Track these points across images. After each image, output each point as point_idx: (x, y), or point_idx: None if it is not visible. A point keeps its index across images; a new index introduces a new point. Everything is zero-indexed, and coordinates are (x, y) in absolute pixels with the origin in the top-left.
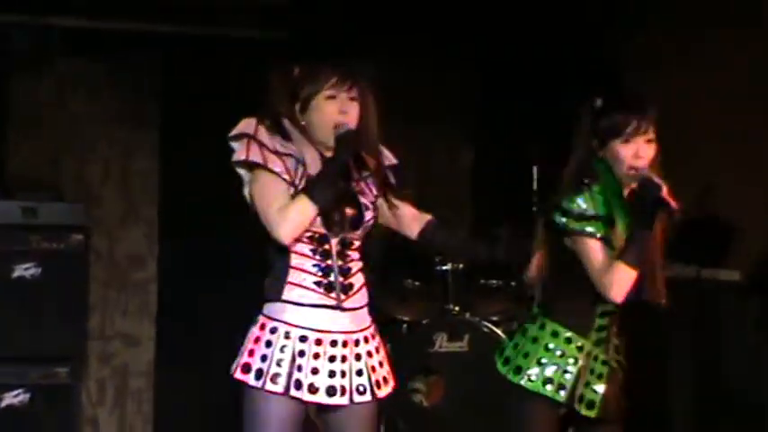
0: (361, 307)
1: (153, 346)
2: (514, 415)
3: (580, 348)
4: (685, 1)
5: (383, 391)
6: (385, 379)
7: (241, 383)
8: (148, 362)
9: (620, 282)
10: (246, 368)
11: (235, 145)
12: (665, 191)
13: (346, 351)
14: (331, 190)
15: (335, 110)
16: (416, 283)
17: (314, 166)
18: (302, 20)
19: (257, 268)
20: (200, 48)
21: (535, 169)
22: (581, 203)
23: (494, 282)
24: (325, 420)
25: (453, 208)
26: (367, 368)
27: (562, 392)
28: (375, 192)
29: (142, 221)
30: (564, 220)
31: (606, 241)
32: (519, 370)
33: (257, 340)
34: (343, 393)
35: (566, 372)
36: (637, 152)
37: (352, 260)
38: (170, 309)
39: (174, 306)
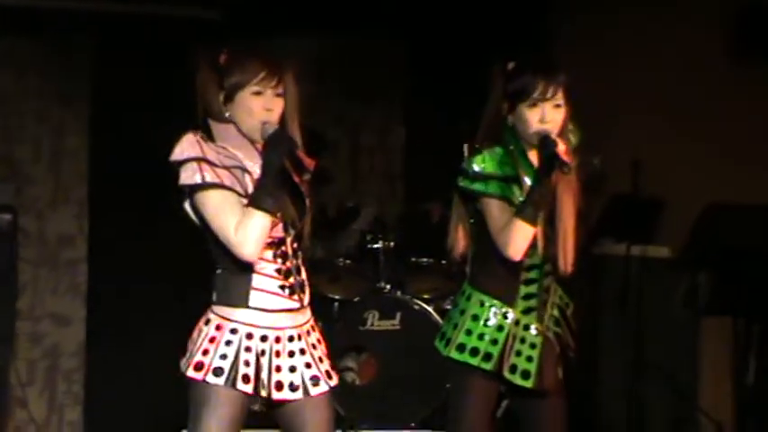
0: (310, 300)
1: (83, 326)
2: (451, 387)
3: (506, 316)
4: None
5: (334, 381)
6: (333, 367)
7: (194, 382)
8: (79, 342)
9: (517, 238)
10: (199, 366)
11: (185, 167)
12: (561, 148)
13: (302, 343)
14: (277, 193)
15: (260, 106)
16: (348, 262)
17: (252, 164)
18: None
19: (188, 248)
20: (131, 26)
21: (466, 147)
22: (477, 163)
23: (425, 260)
24: (286, 413)
25: (385, 184)
26: (323, 355)
27: (489, 361)
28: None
29: (72, 201)
30: (464, 182)
31: (508, 202)
32: (449, 342)
33: (213, 340)
34: (315, 384)
35: (493, 341)
36: (543, 116)
37: (299, 255)
38: (100, 289)
39: (104, 286)
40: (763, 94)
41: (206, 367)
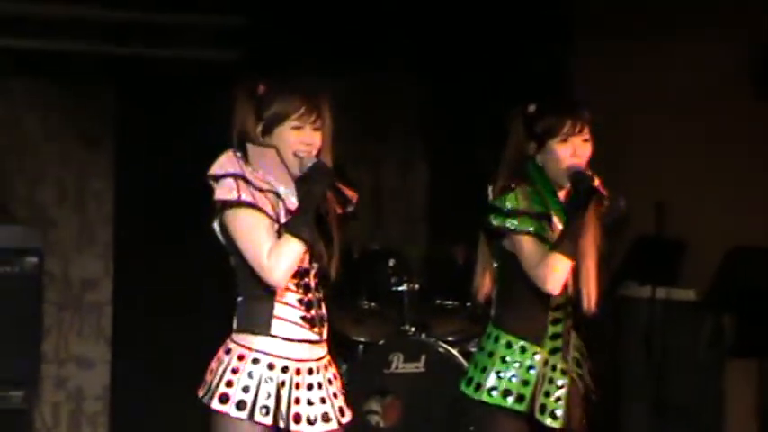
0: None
1: (108, 369)
2: (477, 431)
3: (535, 357)
4: (631, 14)
5: (349, 417)
6: (348, 403)
7: (218, 413)
8: (103, 385)
9: (555, 272)
10: (224, 398)
11: (221, 182)
12: (597, 181)
13: (320, 377)
14: (313, 224)
15: (299, 141)
16: (372, 304)
17: (285, 191)
18: (258, 41)
19: (212, 290)
20: (155, 68)
21: (490, 189)
22: (511, 201)
23: (450, 302)
24: None
25: (408, 225)
26: (338, 391)
27: (522, 402)
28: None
29: (97, 243)
30: (496, 220)
31: (541, 238)
32: (479, 386)
33: (235, 371)
34: (326, 419)
35: (524, 382)
36: (574, 151)
37: (321, 289)
38: (125, 331)
39: (129, 328)
40: None
41: (231, 399)
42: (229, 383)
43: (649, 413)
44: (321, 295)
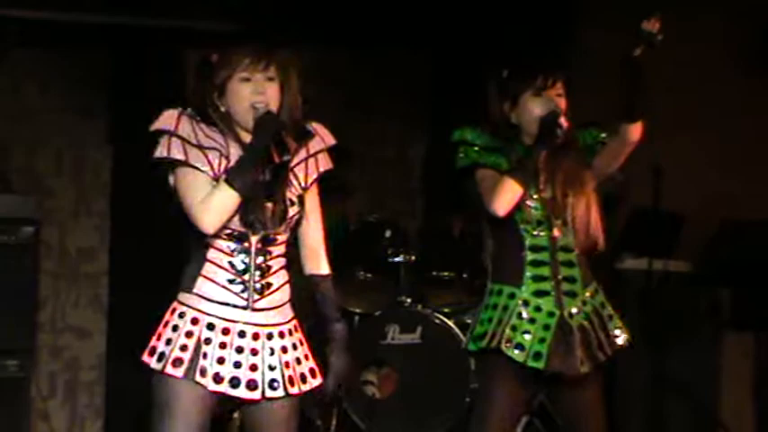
0: (281, 305)
1: (104, 338)
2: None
3: (512, 296)
4: None
5: (297, 389)
6: (303, 376)
7: (147, 366)
8: (99, 355)
9: (502, 194)
10: (152, 351)
11: (160, 141)
12: (562, 119)
13: (257, 344)
14: (251, 176)
15: (251, 91)
16: (369, 275)
17: (235, 152)
18: (254, 11)
19: None
20: (152, 39)
21: None
22: (468, 135)
23: (446, 274)
24: (243, 414)
25: (405, 198)
26: (281, 364)
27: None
28: (302, 183)
29: (94, 213)
30: (460, 158)
31: (498, 171)
32: (473, 339)
33: (166, 324)
34: (252, 387)
35: (497, 322)
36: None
37: (274, 257)
38: (121, 301)
39: (125, 298)
40: None
41: (156, 352)
42: (159, 336)
43: (645, 384)
44: (272, 262)
